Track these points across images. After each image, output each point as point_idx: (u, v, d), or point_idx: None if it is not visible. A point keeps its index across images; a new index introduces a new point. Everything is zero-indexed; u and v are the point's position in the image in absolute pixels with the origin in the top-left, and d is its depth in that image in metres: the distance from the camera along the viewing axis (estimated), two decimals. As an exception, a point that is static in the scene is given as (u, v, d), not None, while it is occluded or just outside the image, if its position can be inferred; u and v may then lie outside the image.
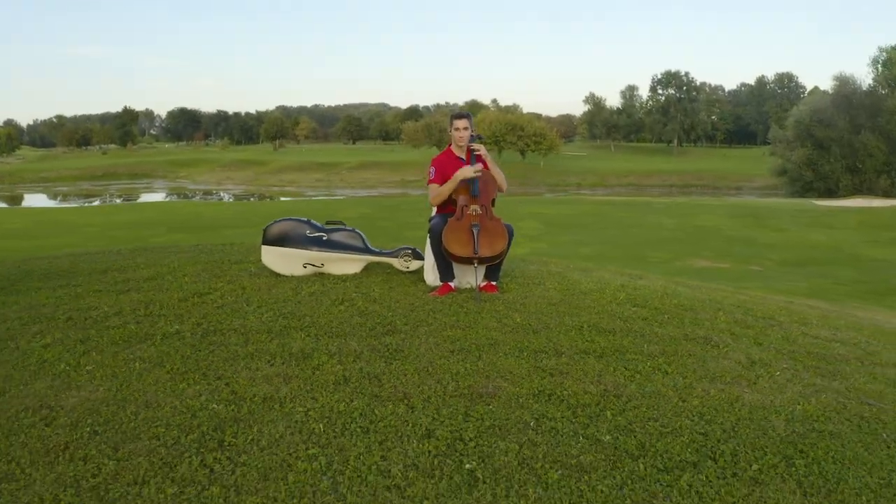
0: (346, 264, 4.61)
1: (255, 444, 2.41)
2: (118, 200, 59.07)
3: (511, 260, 5.64)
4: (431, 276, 4.35)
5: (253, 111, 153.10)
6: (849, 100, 50.91)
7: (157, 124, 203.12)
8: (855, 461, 2.38)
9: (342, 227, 4.66)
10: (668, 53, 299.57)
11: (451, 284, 4.24)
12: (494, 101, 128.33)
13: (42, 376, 3.28)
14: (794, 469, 2.28)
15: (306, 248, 4.52)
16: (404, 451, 2.29)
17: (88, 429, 2.69)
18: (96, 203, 53.09)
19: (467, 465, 2.21)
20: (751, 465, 2.27)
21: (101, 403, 2.89)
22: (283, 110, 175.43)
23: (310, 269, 4.55)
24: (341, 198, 57.67)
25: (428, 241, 4.31)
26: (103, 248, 11.09)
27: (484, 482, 2.12)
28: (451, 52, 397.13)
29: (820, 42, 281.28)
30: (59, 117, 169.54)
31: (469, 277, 4.27)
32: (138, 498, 2.20)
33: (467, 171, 4.19)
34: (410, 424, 2.46)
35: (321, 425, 2.48)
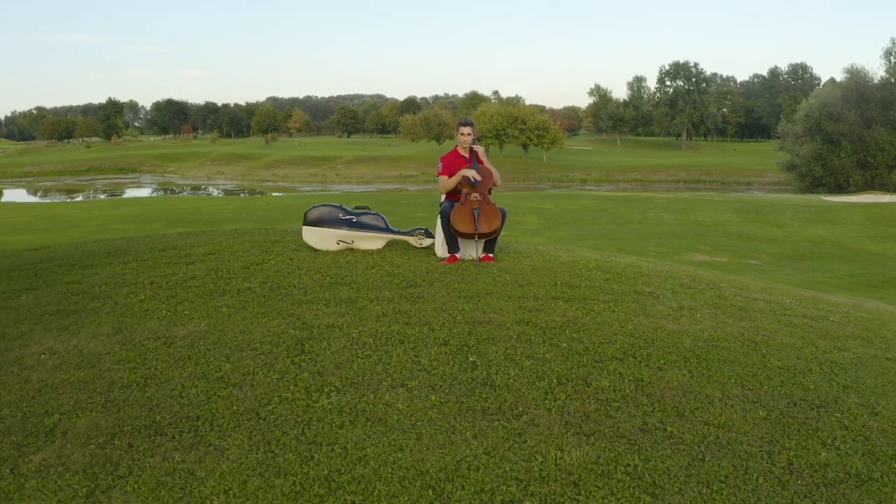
0: (372, 241, 5.95)
1: (326, 350, 3.74)
2: (102, 196, 60.21)
3: (506, 242, 6.98)
4: (441, 249, 5.71)
5: (242, 103, 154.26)
6: (860, 93, 52.10)
7: (141, 116, 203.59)
8: (733, 361, 3.71)
9: (368, 210, 6.01)
10: (679, 42, 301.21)
11: (457, 255, 5.59)
12: (496, 92, 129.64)
13: (149, 319, 4.61)
14: (688, 364, 3.61)
15: (339, 228, 5.86)
16: (429, 352, 3.63)
17: (202, 347, 4.02)
18: (96, 197, 54.39)
19: (471, 358, 3.55)
20: (658, 361, 3.60)
21: (205, 332, 4.21)
22: (274, 101, 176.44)
23: (342, 245, 5.90)
24: (337, 193, 58.93)
25: (438, 221, 5.66)
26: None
27: (481, 367, 3.46)
28: (451, 41, 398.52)
29: (836, 31, 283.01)
30: (39, 109, 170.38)
31: (471, 250, 5.62)
32: (253, 381, 3.53)
33: (470, 173, 5.53)
34: (432, 338, 3.80)
35: (371, 339, 3.82)
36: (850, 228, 29.90)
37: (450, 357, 3.57)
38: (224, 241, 6.64)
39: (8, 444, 3.31)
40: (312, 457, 2.84)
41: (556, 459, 2.75)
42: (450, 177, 5.66)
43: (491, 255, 5.71)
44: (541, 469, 2.69)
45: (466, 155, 5.76)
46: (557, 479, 2.63)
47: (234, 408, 3.29)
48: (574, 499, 2.52)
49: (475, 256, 5.55)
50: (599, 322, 4.08)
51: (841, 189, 50.33)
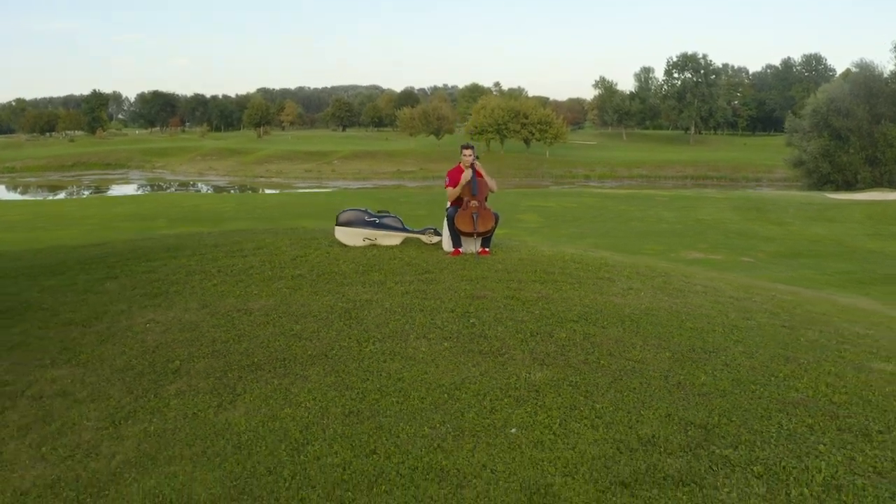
0: (391, 239, 7.76)
1: (368, 316, 5.55)
2: (86, 193, 61.82)
3: (501, 239, 8.78)
4: (447, 245, 7.53)
5: (231, 94, 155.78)
6: (868, 87, 53.69)
7: (125, 108, 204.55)
8: (657, 324, 5.51)
9: (388, 213, 7.82)
10: (689, 31, 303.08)
11: (460, 249, 7.41)
12: (497, 84, 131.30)
13: (227, 297, 6.40)
14: (623, 324, 5.41)
15: (365, 228, 7.67)
16: (441, 316, 5.44)
17: (275, 315, 5.81)
18: (81, 194, 56.09)
19: (471, 320, 5.35)
20: (603, 322, 5.41)
21: (275, 306, 6.01)
22: (265, 93, 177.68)
23: (367, 242, 7.70)
24: (333, 190, 60.56)
25: (445, 222, 7.47)
26: (114, 237, 14.15)
27: (478, 325, 5.27)
28: (450, 30, 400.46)
29: (851, 22, 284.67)
30: (19, 101, 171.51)
31: (471, 246, 7.44)
32: (318, 336, 5.32)
33: (466, 175, 7.35)
34: (443, 307, 5.61)
35: (399, 309, 5.63)
36: (851, 226, 31.53)
37: (456, 319, 5.38)
38: (267, 238, 8.45)
39: (146, 381, 5.09)
40: (368, 378, 4.63)
41: (525, 378, 4.55)
42: (455, 187, 7.49)
43: (487, 249, 7.53)
44: (515, 383, 4.49)
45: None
46: (525, 388, 4.43)
47: (309, 352, 5.09)
48: (535, 398, 4.32)
49: (474, 250, 7.37)
50: (565, 297, 5.89)
51: (849, 186, 51.86)
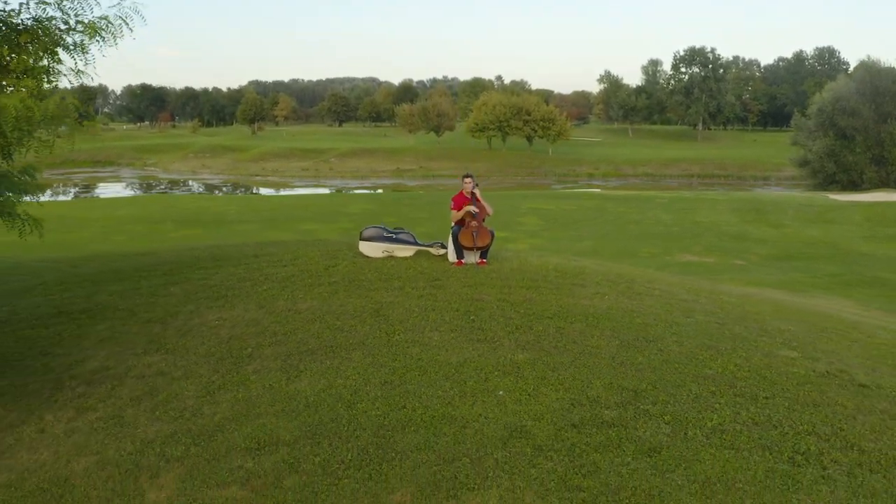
0: (406, 251, 9.85)
1: (392, 314, 7.65)
2: (72, 191, 63.67)
3: (497, 250, 10.87)
4: (452, 257, 9.63)
5: (222, 86, 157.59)
6: (874, 86, 55.50)
7: (111, 102, 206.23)
8: (612, 319, 7.61)
9: (402, 230, 9.91)
10: (700, 22, 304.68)
11: (462, 261, 9.50)
12: (499, 77, 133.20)
13: (278, 300, 8.48)
14: (587, 320, 7.52)
15: (384, 242, 9.76)
16: (449, 314, 7.56)
17: (319, 313, 7.91)
18: (67, 192, 58.05)
19: (472, 317, 7.47)
20: (571, 319, 7.52)
21: (318, 306, 8.10)
22: (258, 86, 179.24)
23: (385, 254, 9.80)
24: (332, 191, 62.52)
25: (450, 238, 9.56)
26: (126, 241, 16.15)
27: (476, 321, 7.40)
28: (450, 20, 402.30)
29: (865, 13, 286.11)
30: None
31: (471, 258, 9.54)
32: (355, 330, 7.43)
33: (470, 208, 9.43)
34: (450, 307, 7.72)
35: (416, 308, 7.74)
36: (848, 228, 33.43)
37: (460, 316, 7.48)
38: (299, 249, 10.56)
39: (227, 364, 7.14)
40: (396, 359, 6.72)
41: (511, 358, 6.64)
42: (458, 211, 9.60)
43: (485, 260, 9.65)
44: (503, 362, 6.58)
45: (468, 196, 9.70)
46: (510, 365, 6.51)
47: (350, 341, 7.17)
48: (517, 371, 6.40)
49: (474, 261, 9.47)
50: (543, 300, 7.99)
51: (855, 186, 53.65)
